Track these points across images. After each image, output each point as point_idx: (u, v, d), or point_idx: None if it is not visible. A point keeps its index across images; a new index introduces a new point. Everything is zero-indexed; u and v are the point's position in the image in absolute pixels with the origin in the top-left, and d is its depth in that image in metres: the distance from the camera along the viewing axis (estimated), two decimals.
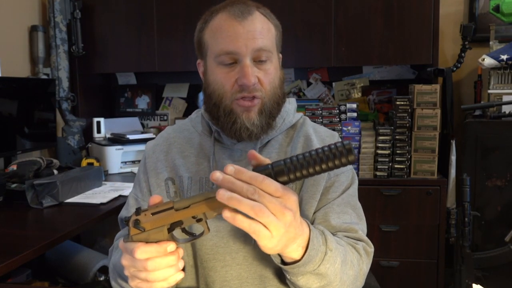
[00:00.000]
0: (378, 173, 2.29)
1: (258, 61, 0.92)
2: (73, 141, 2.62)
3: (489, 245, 2.07)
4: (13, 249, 1.34)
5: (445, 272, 2.27)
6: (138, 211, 0.73)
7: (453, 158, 2.27)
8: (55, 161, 2.13)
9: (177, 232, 0.76)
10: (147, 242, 0.73)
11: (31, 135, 2.27)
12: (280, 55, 1.03)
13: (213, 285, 0.97)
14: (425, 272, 2.28)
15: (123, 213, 1.05)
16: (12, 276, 1.77)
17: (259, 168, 0.69)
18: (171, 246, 0.73)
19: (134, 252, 0.72)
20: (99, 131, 2.67)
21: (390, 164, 2.29)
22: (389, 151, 2.28)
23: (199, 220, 0.72)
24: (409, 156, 2.28)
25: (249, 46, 0.90)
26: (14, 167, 2.02)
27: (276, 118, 1.00)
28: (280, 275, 0.96)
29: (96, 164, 2.39)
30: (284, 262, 0.79)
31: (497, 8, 2.23)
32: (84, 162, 2.42)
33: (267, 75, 0.94)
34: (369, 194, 2.24)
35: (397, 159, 2.28)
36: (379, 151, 2.29)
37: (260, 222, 0.66)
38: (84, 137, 2.68)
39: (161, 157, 1.04)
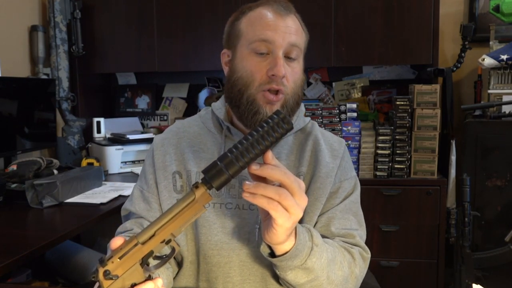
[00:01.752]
0: (378, 173, 2.29)
1: (288, 57, 0.95)
2: (73, 141, 2.62)
3: (489, 245, 2.07)
4: (13, 249, 1.34)
5: (445, 272, 2.27)
6: (102, 261, 0.70)
7: (453, 158, 2.27)
8: (55, 161, 2.13)
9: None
10: (124, 287, 0.70)
11: (31, 135, 2.27)
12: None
13: (215, 281, 0.97)
14: (425, 272, 2.28)
15: (127, 205, 1.05)
16: (12, 276, 1.77)
17: (207, 167, 0.68)
18: (159, 282, 0.71)
19: None
20: (99, 131, 2.67)
21: (390, 164, 2.29)
22: (389, 151, 2.28)
23: (168, 242, 0.70)
24: (409, 156, 2.28)
25: (285, 39, 0.93)
26: (14, 167, 2.02)
27: (293, 117, 1.02)
28: None
29: (96, 164, 2.39)
30: (273, 257, 0.82)
31: (497, 8, 2.23)
32: (84, 162, 2.42)
33: (293, 73, 0.96)
34: (369, 194, 2.23)
35: (397, 159, 2.28)
36: (379, 151, 2.29)
37: (284, 206, 0.70)
38: (84, 137, 2.68)
39: (170, 150, 1.04)
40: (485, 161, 2.12)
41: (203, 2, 2.47)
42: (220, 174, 0.67)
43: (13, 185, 1.92)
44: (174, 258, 1.00)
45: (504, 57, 2.16)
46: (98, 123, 2.68)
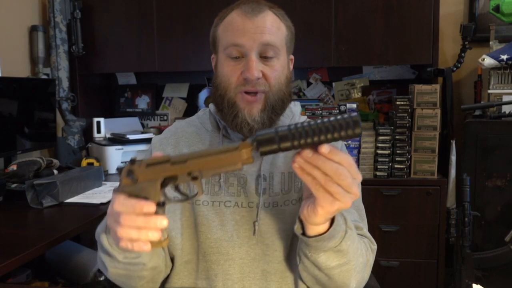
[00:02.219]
0: (378, 173, 2.29)
1: (264, 56, 0.95)
2: (73, 141, 2.62)
3: (489, 245, 2.07)
4: (13, 249, 1.34)
5: (445, 272, 2.27)
6: (133, 161, 0.71)
7: (453, 158, 2.27)
8: (55, 161, 2.13)
9: (170, 193, 0.74)
10: (137, 196, 0.71)
11: (31, 135, 2.27)
12: (292, 57, 1.06)
13: (215, 278, 0.97)
14: (425, 272, 2.28)
15: None
16: (12, 276, 1.77)
17: (263, 131, 0.68)
18: (148, 206, 0.70)
19: (113, 202, 0.72)
20: (99, 131, 2.67)
21: (390, 164, 2.29)
22: (389, 151, 2.28)
23: (194, 178, 0.71)
24: (409, 156, 2.28)
25: (256, 40, 0.94)
26: (14, 167, 2.01)
27: (280, 115, 1.01)
28: (282, 271, 0.97)
29: (96, 164, 2.39)
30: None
31: (497, 8, 2.23)
32: (84, 162, 2.42)
33: (273, 71, 0.96)
34: (369, 194, 2.23)
35: (397, 159, 2.28)
36: (379, 151, 2.29)
37: (329, 191, 0.69)
38: (84, 137, 2.68)
39: (169, 149, 1.05)
40: (485, 161, 2.11)
41: (203, 2, 2.47)
42: (271, 142, 0.67)
43: (13, 185, 1.92)
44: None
45: (504, 57, 2.16)
46: (98, 123, 2.68)
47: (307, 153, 0.68)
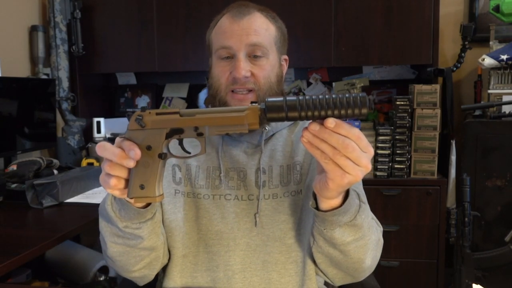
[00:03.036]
0: (378, 173, 2.29)
1: (253, 56, 0.99)
2: (73, 141, 2.62)
3: (489, 245, 2.07)
4: (13, 249, 1.34)
5: (445, 272, 2.27)
6: (143, 108, 0.74)
7: (453, 158, 2.27)
8: (55, 161, 2.13)
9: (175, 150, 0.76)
10: (140, 143, 0.73)
11: (31, 135, 2.27)
12: (286, 57, 1.09)
13: (216, 269, 0.99)
14: (425, 272, 2.28)
15: None
16: (12, 276, 1.77)
17: (273, 99, 0.69)
18: (128, 161, 0.72)
19: (98, 146, 0.74)
20: (99, 131, 2.67)
21: (390, 164, 2.29)
22: (389, 151, 2.28)
23: (199, 134, 0.72)
24: (409, 156, 2.28)
25: (242, 42, 0.98)
26: (14, 167, 2.01)
27: None
28: (283, 262, 0.99)
29: (96, 164, 2.39)
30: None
31: (497, 8, 2.23)
32: (84, 162, 2.42)
33: (262, 70, 0.99)
34: (369, 194, 2.21)
35: (397, 159, 2.28)
36: (379, 151, 2.29)
37: (338, 164, 0.70)
38: (84, 137, 2.68)
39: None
40: (485, 161, 2.11)
41: (203, 2, 2.47)
42: (279, 110, 0.68)
43: (13, 185, 1.92)
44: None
45: (504, 57, 2.16)
46: (98, 123, 2.67)
47: (314, 126, 0.69)
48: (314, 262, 0.99)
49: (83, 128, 2.67)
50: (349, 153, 0.69)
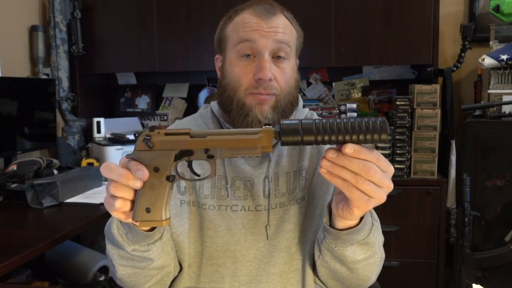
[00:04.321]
0: None
1: (276, 57, 0.94)
2: (73, 141, 2.62)
3: (489, 245, 2.07)
4: (13, 249, 1.34)
5: (445, 272, 2.27)
6: (152, 128, 0.70)
7: (453, 158, 2.27)
8: (55, 161, 2.13)
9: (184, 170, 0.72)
10: (148, 165, 0.69)
11: (31, 135, 2.27)
12: (298, 61, 1.04)
13: (222, 281, 0.97)
14: (425, 272, 2.28)
15: None
16: (12, 276, 1.77)
17: (288, 122, 0.66)
18: (135, 182, 0.68)
19: (103, 167, 0.70)
20: (99, 131, 2.67)
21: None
22: (389, 151, 2.28)
23: (210, 157, 0.69)
24: (409, 156, 2.28)
25: (269, 38, 0.92)
26: (14, 167, 2.01)
27: (289, 117, 1.00)
28: (287, 272, 0.97)
29: (96, 164, 2.39)
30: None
31: (497, 8, 2.23)
32: (84, 162, 2.42)
33: (284, 74, 0.95)
34: None
35: (397, 159, 2.28)
36: (379, 151, 2.29)
37: (361, 190, 0.67)
38: (84, 137, 2.68)
39: None
40: (485, 161, 2.11)
41: (203, 2, 2.47)
42: (294, 134, 0.65)
43: (13, 185, 1.92)
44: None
45: (504, 57, 2.16)
46: (98, 123, 2.67)
47: (332, 154, 0.66)
48: (313, 269, 0.97)
49: (83, 128, 2.67)
50: (371, 176, 0.67)
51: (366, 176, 0.66)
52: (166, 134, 0.69)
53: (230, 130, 0.70)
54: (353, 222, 0.78)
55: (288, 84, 0.95)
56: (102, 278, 1.98)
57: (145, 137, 0.70)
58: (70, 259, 2.07)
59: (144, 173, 0.68)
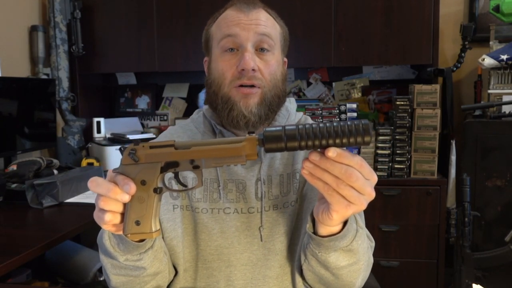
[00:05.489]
0: (378, 173, 2.29)
1: (260, 49, 0.94)
2: (73, 141, 2.62)
3: (489, 245, 2.07)
4: (13, 249, 1.34)
5: (445, 272, 2.27)
6: (137, 141, 0.71)
7: (453, 158, 2.27)
8: (55, 161, 2.13)
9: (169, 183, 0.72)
10: (135, 178, 0.70)
11: (31, 135, 2.27)
12: (286, 59, 1.04)
13: (217, 285, 0.96)
14: (425, 272, 2.28)
15: None
16: (12, 276, 1.77)
17: (271, 128, 0.67)
18: (122, 196, 0.69)
19: (90, 182, 0.71)
20: (99, 131, 2.67)
21: (390, 164, 2.29)
22: (389, 151, 2.28)
23: (196, 167, 0.70)
24: (409, 156, 2.28)
25: (251, 30, 0.93)
26: (14, 167, 2.01)
27: (276, 111, 1.00)
28: (282, 275, 0.97)
29: (96, 164, 2.39)
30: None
31: (497, 8, 2.23)
32: (84, 162, 2.42)
33: (268, 66, 0.95)
34: None
35: (397, 159, 2.28)
36: (379, 151, 2.29)
37: (342, 195, 0.67)
38: (84, 137, 2.68)
39: None
40: (485, 161, 2.11)
41: (203, 2, 2.47)
42: (278, 140, 0.66)
43: (13, 185, 1.92)
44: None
45: (504, 57, 2.16)
46: (98, 123, 2.68)
47: (315, 156, 0.66)
48: (301, 273, 0.96)
49: (83, 128, 2.67)
50: (353, 182, 0.66)
51: (348, 181, 0.66)
52: (151, 147, 0.70)
53: (215, 140, 0.71)
54: (336, 228, 0.77)
55: (273, 76, 0.95)
56: (102, 278, 1.98)
57: (130, 151, 0.70)
58: (70, 259, 2.07)
59: (131, 187, 0.69)
